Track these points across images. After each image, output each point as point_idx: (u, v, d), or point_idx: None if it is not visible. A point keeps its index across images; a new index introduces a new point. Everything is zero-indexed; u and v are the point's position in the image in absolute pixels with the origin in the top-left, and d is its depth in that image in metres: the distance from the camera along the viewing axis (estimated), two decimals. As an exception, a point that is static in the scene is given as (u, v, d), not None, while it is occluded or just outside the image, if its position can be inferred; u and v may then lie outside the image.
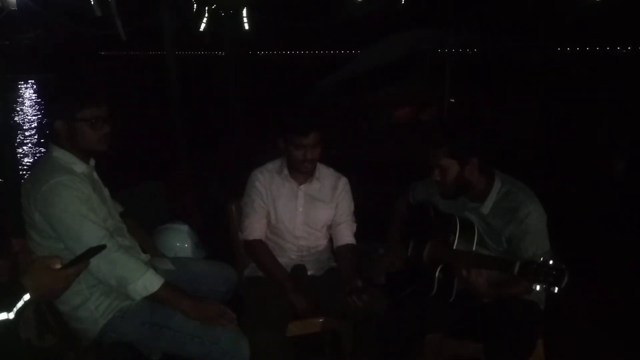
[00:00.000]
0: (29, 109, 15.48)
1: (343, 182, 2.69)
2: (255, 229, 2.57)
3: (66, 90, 2.10)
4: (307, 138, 2.43)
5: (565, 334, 2.76)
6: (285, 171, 2.60)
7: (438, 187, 2.29)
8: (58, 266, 1.44)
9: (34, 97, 18.70)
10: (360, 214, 2.75)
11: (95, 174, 2.17)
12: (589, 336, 3.02)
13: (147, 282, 1.99)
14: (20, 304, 1.33)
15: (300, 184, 2.61)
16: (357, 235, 2.69)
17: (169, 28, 4.00)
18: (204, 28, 4.30)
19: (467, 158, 2.17)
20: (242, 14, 4.24)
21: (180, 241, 2.92)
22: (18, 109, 15.03)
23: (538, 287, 1.80)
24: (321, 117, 2.64)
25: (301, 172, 2.58)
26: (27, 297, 1.35)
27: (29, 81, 22.98)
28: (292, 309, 2.40)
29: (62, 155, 2.05)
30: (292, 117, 2.53)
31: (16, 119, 13.09)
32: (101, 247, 1.62)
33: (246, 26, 4.35)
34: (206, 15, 4.22)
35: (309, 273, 2.61)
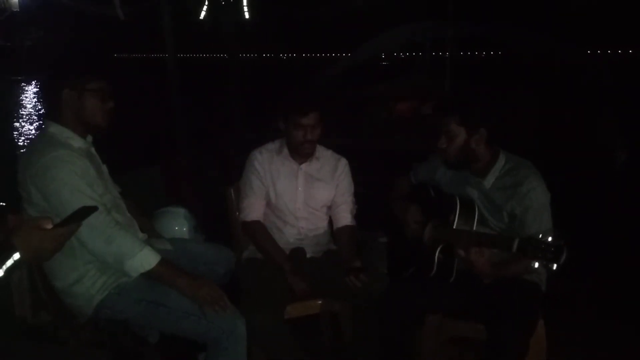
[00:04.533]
0: (31, 109, 15.46)
1: (343, 163, 2.68)
2: (253, 209, 2.55)
3: (78, 60, 2.09)
4: (307, 118, 2.42)
5: (566, 321, 2.74)
6: (285, 151, 2.59)
7: (441, 155, 2.27)
8: (49, 226, 1.42)
9: (35, 98, 18.67)
10: (361, 203, 2.73)
11: (92, 149, 2.15)
12: (590, 323, 3.00)
13: (144, 259, 1.96)
14: (9, 263, 1.32)
15: (300, 164, 2.59)
16: (357, 224, 2.67)
17: (167, 11, 3.98)
18: (204, 16, 4.28)
19: (476, 127, 2.17)
20: (242, 1, 4.22)
21: (178, 224, 2.89)
22: (21, 110, 15.00)
23: (537, 264, 1.78)
24: (321, 98, 2.65)
25: (301, 154, 2.56)
26: (17, 256, 1.33)
27: (32, 82, 22.97)
28: (290, 291, 2.38)
29: (59, 131, 2.03)
30: (293, 97, 2.54)
31: (18, 119, 13.08)
32: (93, 208, 1.59)
33: (247, 15, 4.33)
34: (206, 3, 4.20)
35: (307, 256, 2.58)
